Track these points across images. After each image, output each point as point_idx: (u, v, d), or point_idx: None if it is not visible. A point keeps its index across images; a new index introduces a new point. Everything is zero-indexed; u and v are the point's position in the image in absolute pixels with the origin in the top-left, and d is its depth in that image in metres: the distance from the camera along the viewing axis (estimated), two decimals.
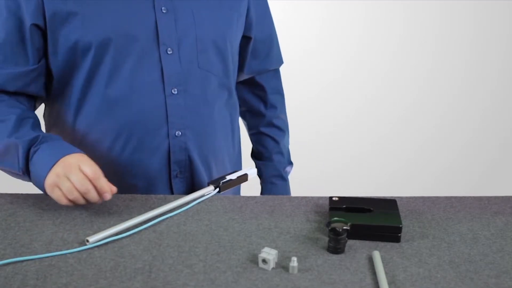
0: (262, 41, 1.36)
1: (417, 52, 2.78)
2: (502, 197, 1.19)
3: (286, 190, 1.44)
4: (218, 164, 1.32)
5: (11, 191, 1.16)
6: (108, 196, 1.04)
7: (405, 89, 2.82)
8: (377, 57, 2.78)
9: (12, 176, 1.15)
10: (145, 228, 1.03)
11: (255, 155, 1.48)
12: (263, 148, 1.44)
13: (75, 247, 0.96)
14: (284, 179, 1.44)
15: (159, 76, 1.16)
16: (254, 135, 1.46)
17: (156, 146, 1.20)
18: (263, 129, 1.43)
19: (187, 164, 1.23)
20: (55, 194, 1.04)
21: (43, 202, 1.12)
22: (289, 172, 1.46)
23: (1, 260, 0.92)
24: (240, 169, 1.42)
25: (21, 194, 1.15)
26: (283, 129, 1.46)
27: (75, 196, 1.02)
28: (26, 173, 1.09)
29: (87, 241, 0.97)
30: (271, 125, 1.44)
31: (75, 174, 1.02)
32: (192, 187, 1.27)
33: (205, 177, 1.28)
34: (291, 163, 1.48)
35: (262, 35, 1.35)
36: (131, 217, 1.06)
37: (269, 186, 1.42)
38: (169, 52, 1.16)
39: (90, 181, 1.02)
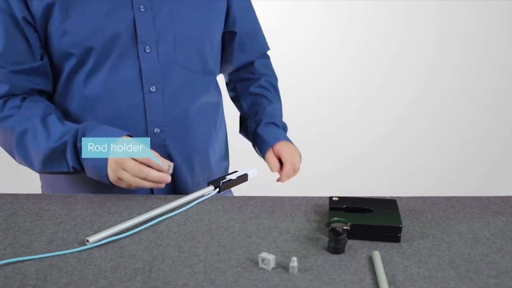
0: (248, 35, 1.38)
1: (418, 52, 2.77)
2: (502, 197, 1.19)
3: (280, 133, 1.37)
4: (203, 165, 1.31)
5: (11, 191, 1.16)
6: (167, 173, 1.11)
7: (406, 89, 2.82)
8: (378, 57, 2.78)
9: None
10: (145, 228, 1.03)
11: (250, 117, 1.42)
12: (257, 106, 1.40)
13: (75, 247, 0.96)
14: (278, 127, 1.38)
15: (137, 74, 1.18)
16: (246, 99, 1.42)
17: None
18: (253, 90, 1.41)
19: None
20: (122, 186, 1.11)
21: (43, 202, 1.12)
22: (286, 130, 1.41)
23: (1, 260, 0.92)
24: (226, 172, 1.42)
25: (21, 194, 1.15)
26: (272, 92, 1.43)
27: (138, 183, 1.09)
28: (79, 169, 1.14)
29: (87, 241, 0.97)
30: (261, 86, 1.42)
31: (129, 164, 1.08)
32: (174, 189, 1.27)
33: (188, 178, 1.28)
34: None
35: (248, 29, 1.37)
36: (131, 217, 1.06)
37: (263, 127, 1.37)
38: (147, 51, 1.17)
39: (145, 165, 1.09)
